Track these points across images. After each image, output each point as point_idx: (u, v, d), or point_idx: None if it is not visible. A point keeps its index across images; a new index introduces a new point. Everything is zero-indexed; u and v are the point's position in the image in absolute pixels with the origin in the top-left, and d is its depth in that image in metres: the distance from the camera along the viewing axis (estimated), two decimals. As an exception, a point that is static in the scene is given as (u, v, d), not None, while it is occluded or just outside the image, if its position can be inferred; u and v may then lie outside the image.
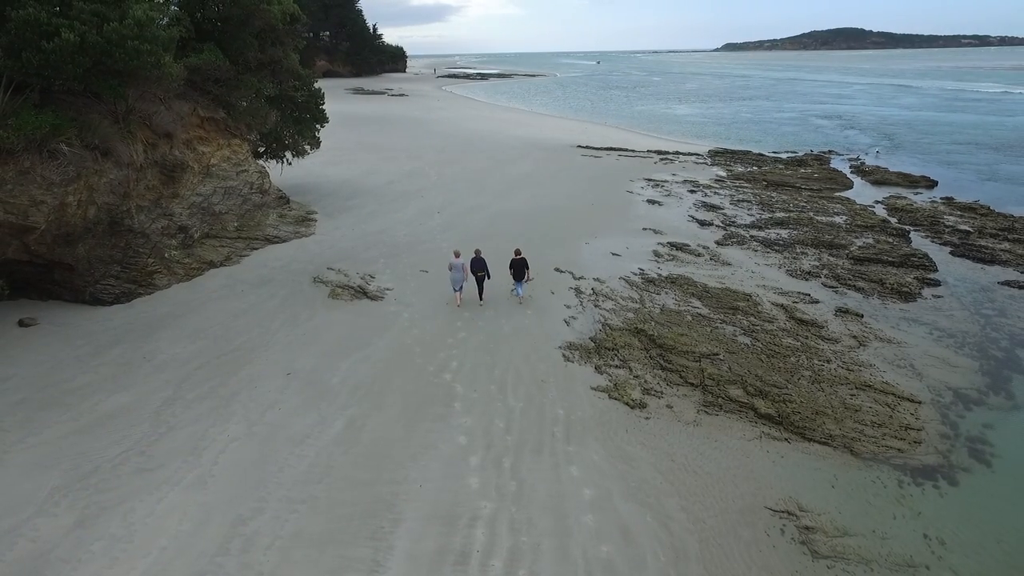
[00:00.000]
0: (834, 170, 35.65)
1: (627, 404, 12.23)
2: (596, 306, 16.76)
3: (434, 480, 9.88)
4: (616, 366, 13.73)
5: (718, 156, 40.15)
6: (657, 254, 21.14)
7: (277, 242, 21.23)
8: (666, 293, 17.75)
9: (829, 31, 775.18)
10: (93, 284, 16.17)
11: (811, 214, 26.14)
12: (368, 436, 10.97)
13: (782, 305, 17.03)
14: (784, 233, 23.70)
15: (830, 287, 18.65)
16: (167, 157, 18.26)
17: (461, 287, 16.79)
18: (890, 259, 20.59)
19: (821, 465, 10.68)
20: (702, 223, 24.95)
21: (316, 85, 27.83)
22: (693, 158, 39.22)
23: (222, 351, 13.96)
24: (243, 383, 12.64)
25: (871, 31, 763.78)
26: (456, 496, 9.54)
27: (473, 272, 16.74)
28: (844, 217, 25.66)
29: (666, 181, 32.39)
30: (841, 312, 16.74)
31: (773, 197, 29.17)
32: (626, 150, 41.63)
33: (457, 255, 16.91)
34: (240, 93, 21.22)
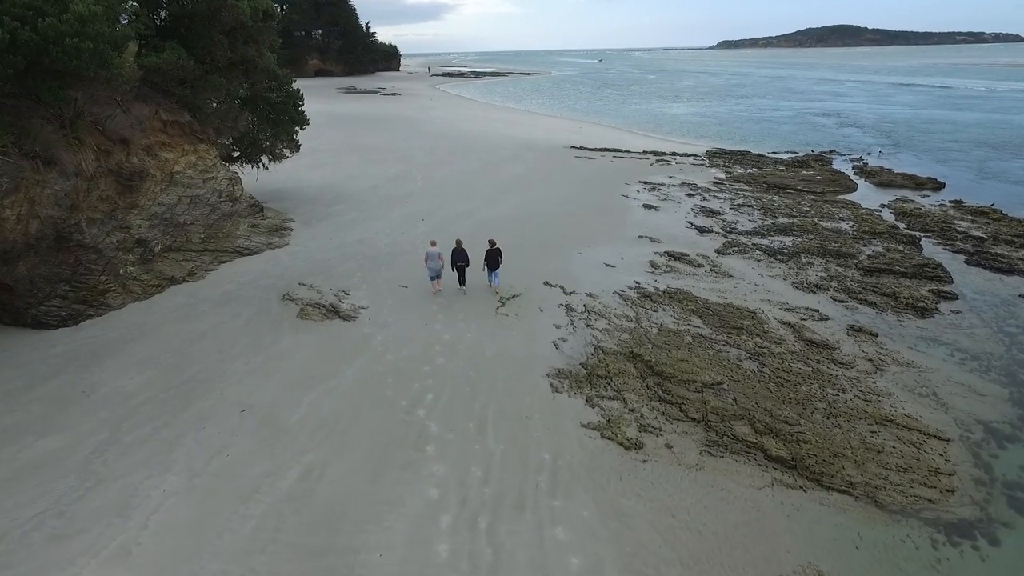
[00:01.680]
0: (837, 172, 34.36)
1: (621, 445, 10.88)
2: (588, 325, 15.42)
3: (397, 547, 8.52)
4: (609, 397, 12.39)
5: (716, 157, 38.84)
6: (654, 265, 19.81)
7: (247, 254, 19.81)
8: (664, 310, 16.42)
9: (824, 28, 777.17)
10: (36, 306, 14.75)
11: (815, 219, 24.83)
12: (325, 490, 9.60)
13: (789, 323, 15.72)
14: (788, 241, 22.38)
15: (840, 301, 17.35)
16: (123, 165, 16.84)
17: (439, 275, 17.28)
18: (902, 269, 19.30)
19: (842, 520, 9.36)
20: (701, 230, 23.62)
21: (294, 86, 26.40)
22: (691, 159, 37.91)
23: (172, 383, 12.56)
24: (191, 422, 11.25)
25: (866, 28, 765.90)
26: (421, 569, 8.18)
27: (455, 264, 17.22)
28: (850, 223, 24.36)
29: (663, 184, 31.07)
30: (854, 331, 15.43)
31: (775, 201, 27.86)
32: (621, 151, 40.28)
33: (433, 244, 17.28)
34: (208, 94, 19.79)
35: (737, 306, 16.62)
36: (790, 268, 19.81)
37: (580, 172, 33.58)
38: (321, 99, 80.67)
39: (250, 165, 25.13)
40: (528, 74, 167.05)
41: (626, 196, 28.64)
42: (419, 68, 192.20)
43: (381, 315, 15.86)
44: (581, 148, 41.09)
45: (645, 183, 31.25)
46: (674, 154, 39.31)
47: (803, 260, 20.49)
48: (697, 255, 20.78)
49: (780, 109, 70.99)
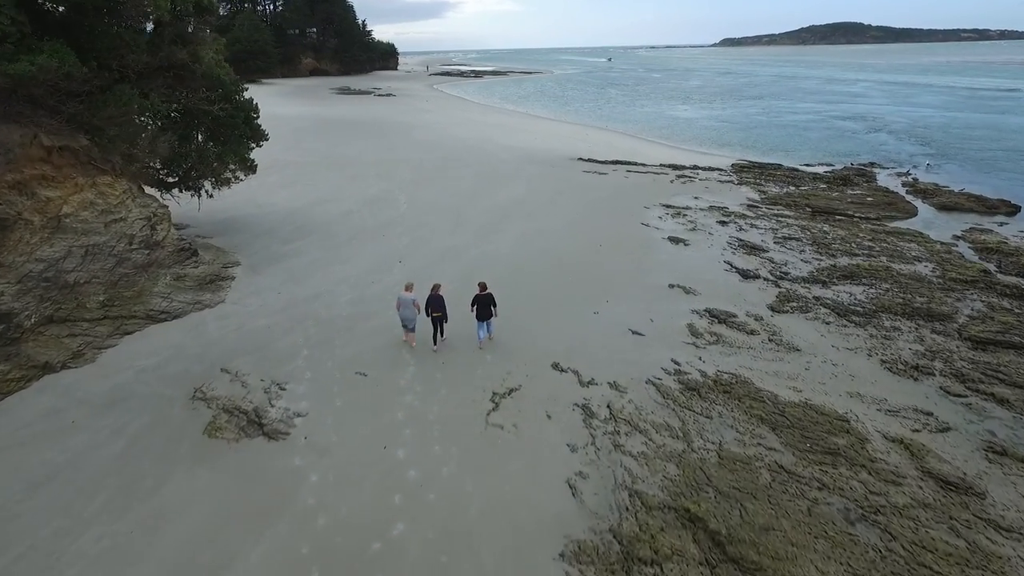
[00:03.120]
0: (888, 192, 29.63)
1: None
2: (616, 446, 10.82)
3: None
4: (661, 610, 7.80)
5: (744, 172, 34.15)
6: (694, 332, 15.18)
7: (164, 319, 15.20)
8: (720, 415, 11.80)
9: (827, 26, 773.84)
10: None
11: (884, 259, 20.17)
12: None
13: (901, 440, 11.09)
14: (859, 292, 17.71)
15: (955, 395, 12.69)
16: (-25, 212, 12.27)
17: (414, 326, 14.39)
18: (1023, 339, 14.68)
19: None
20: (745, 274, 18.98)
21: (246, 95, 21.77)
22: (716, 174, 33.23)
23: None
24: None
25: (870, 25, 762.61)
26: None
27: (429, 312, 14.10)
28: (929, 265, 19.69)
29: (688, 208, 26.42)
30: (995, 453, 10.82)
31: (826, 232, 23.18)
32: (635, 164, 35.61)
33: (408, 288, 14.33)
34: (112, 111, 15.15)
35: (820, 408, 11.98)
36: (872, 337, 15.14)
37: (591, 192, 28.93)
38: (311, 101, 76.23)
39: (190, 193, 20.53)
40: (529, 73, 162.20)
41: (647, 224, 23.99)
42: (418, 67, 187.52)
43: (323, 429, 11.24)
44: (590, 160, 36.42)
45: (668, 207, 26.60)
46: (696, 168, 34.62)
47: (886, 324, 15.82)
48: (747, 315, 16.14)
49: (798, 112, 66.20)
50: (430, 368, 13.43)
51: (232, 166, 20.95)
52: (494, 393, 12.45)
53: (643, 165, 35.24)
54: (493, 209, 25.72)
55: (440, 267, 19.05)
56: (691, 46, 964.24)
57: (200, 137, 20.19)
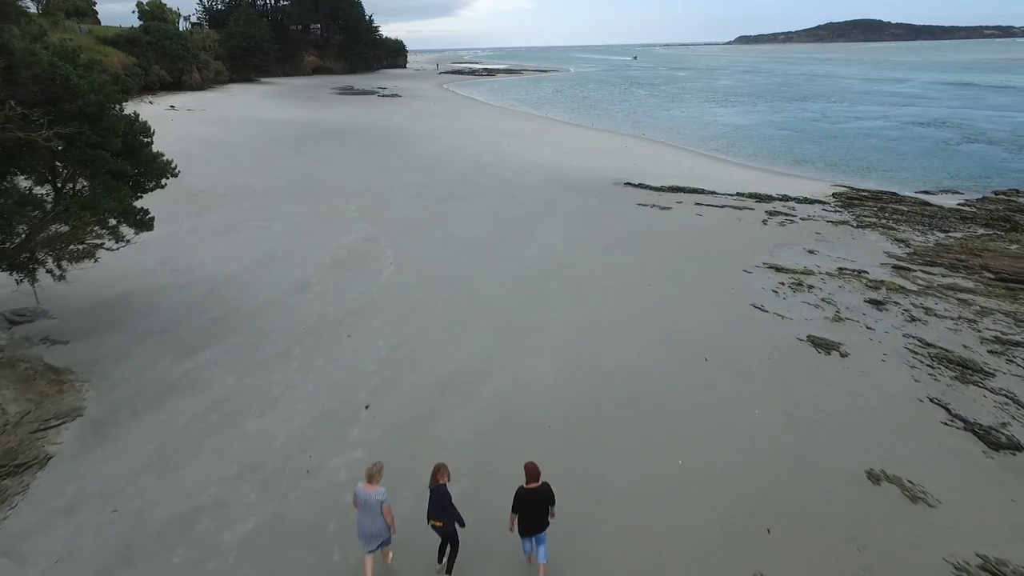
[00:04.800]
0: (1084, 241, 20.83)
1: None
2: None
3: None
4: None
5: (855, 204, 25.37)
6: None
7: None
8: None
9: (846, 23, 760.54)
10: None
11: None
12: None
13: None
14: None
15: None
16: None
17: (378, 545, 7.35)
18: None
19: None
20: (990, 440, 10.40)
21: (126, 108, 13.52)
22: (818, 208, 24.52)
23: None
24: None
25: (889, 22, 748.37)
26: None
27: (433, 518, 7.27)
28: None
29: (809, 272, 17.82)
30: None
31: (1058, 327, 14.51)
32: (701, 191, 26.98)
33: (370, 481, 7.30)
34: None
35: None
36: None
37: (657, 241, 20.34)
38: (305, 103, 68.06)
39: (16, 277, 12.28)
40: (545, 71, 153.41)
41: (760, 307, 15.43)
42: (428, 65, 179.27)
43: None
44: (641, 186, 27.83)
45: (776, 268, 18.01)
46: (787, 198, 25.92)
47: None
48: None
49: (862, 116, 57.05)
50: None
51: (97, 228, 12.69)
52: None
53: (713, 194, 26.59)
54: (521, 277, 17.21)
55: (441, 418, 10.66)
56: (705, 44, 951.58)
57: (31, 180, 11.96)
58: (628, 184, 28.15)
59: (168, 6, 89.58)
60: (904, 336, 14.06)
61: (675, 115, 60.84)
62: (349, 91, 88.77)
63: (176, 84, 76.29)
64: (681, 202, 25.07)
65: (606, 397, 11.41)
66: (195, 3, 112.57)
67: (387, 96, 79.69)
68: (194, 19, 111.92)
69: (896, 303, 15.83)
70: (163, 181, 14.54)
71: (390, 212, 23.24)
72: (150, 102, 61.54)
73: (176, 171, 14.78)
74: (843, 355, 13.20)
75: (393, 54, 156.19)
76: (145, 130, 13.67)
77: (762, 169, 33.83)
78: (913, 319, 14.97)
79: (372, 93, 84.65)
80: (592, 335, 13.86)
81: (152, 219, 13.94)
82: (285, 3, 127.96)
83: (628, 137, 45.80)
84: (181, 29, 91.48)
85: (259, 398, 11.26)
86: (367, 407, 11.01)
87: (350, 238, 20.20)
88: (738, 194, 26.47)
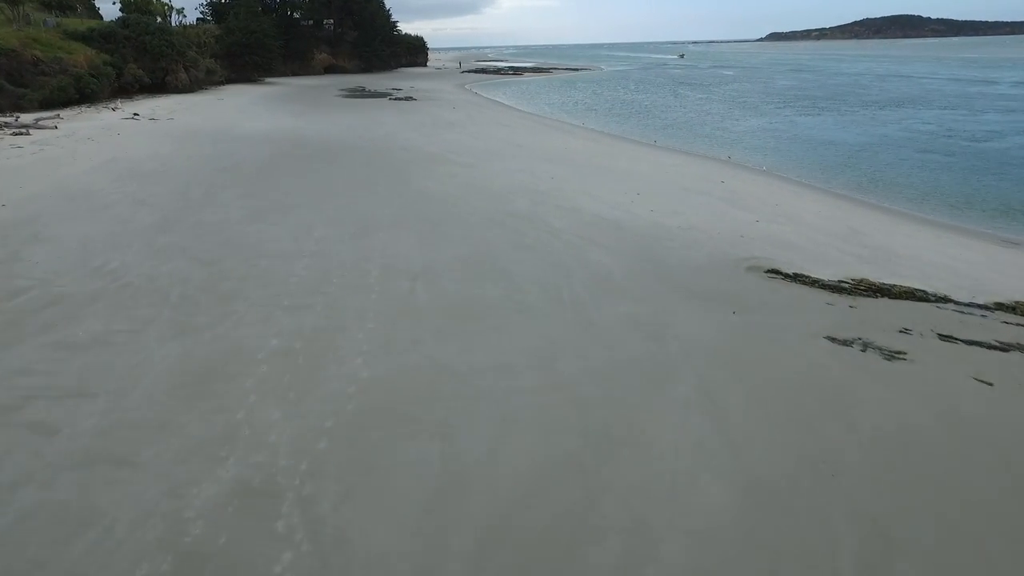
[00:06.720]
0: None
1: None
2: None
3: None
4: None
5: None
6: None
7: None
8: None
9: (883, 19, 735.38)
10: None
11: None
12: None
13: None
14: None
15: None
16: None
17: None
18: None
19: None
20: None
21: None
22: None
23: None
24: None
25: (929, 18, 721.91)
26: None
27: None
28: None
29: None
30: None
31: None
32: (913, 294, 14.92)
33: None
34: None
35: None
36: None
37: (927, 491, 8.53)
38: (302, 108, 56.51)
39: None
40: (576, 70, 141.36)
41: None
42: (450, 63, 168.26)
43: None
44: (797, 279, 15.82)
45: None
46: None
47: None
48: None
49: (986, 124, 44.07)
50: None
51: None
52: None
53: (944, 301, 14.54)
54: None
55: None
56: (736, 41, 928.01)
57: None
58: (774, 273, 16.17)
59: (158, -2, 79.58)
60: None
61: (755, 127, 48.49)
62: (358, 93, 78.07)
63: (159, 86, 66.05)
64: (908, 331, 13.00)
65: None
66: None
67: (400, 99, 68.70)
68: (197, 13, 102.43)
69: None
70: None
71: (334, 380, 11.28)
72: (113, 109, 50.94)
73: None
74: None
75: (413, 52, 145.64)
76: None
77: (964, 229, 21.56)
78: None
79: (384, 95, 73.78)
80: None
81: None
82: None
83: (714, 162, 33.67)
84: (173, 23, 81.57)
85: None
86: None
87: (245, 467, 8.53)
88: (997, 306, 14.36)
